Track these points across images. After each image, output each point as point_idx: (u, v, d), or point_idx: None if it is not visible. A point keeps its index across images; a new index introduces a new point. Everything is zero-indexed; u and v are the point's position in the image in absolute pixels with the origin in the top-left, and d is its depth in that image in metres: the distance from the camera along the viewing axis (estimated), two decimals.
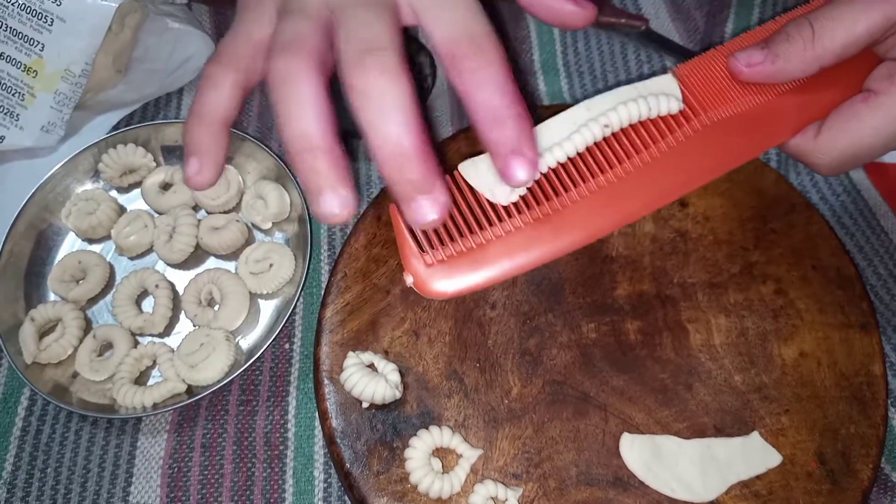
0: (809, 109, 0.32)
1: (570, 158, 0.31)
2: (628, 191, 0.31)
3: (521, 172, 0.27)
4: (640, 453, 0.37)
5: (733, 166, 0.31)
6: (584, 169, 0.31)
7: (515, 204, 0.30)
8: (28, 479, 0.41)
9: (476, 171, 0.31)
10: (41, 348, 0.42)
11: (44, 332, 0.43)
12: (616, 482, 0.37)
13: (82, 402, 0.41)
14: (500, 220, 0.30)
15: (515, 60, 0.53)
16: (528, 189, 0.30)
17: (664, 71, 0.52)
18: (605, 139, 0.31)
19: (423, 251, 0.30)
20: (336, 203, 0.27)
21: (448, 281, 0.30)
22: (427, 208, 0.26)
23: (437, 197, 0.26)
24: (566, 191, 0.30)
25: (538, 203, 0.30)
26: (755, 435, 0.38)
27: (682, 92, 0.31)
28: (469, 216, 0.30)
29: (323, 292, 0.43)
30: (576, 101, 0.51)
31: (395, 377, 0.38)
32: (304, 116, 0.27)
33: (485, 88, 0.27)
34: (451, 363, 0.40)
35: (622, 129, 0.31)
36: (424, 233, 0.30)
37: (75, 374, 0.42)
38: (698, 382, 0.39)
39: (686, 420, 0.38)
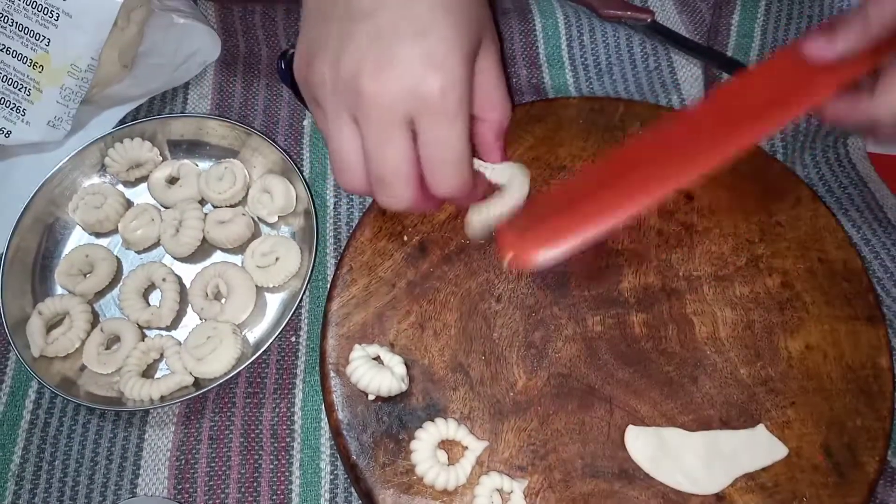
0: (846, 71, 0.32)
1: None
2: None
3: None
4: (645, 446, 0.37)
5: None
6: None
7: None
8: (36, 471, 0.41)
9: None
10: (49, 342, 0.42)
11: (51, 326, 0.44)
12: (621, 474, 0.37)
13: (90, 395, 0.41)
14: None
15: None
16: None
17: (670, 63, 0.52)
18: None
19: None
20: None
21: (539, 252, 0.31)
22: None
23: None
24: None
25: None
26: (761, 428, 0.38)
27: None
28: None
29: (329, 285, 0.43)
30: (581, 94, 0.51)
31: (400, 370, 0.38)
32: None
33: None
34: (457, 356, 0.40)
35: None
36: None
37: (83, 368, 0.43)
38: (704, 375, 0.39)
39: (691, 413, 0.38)
